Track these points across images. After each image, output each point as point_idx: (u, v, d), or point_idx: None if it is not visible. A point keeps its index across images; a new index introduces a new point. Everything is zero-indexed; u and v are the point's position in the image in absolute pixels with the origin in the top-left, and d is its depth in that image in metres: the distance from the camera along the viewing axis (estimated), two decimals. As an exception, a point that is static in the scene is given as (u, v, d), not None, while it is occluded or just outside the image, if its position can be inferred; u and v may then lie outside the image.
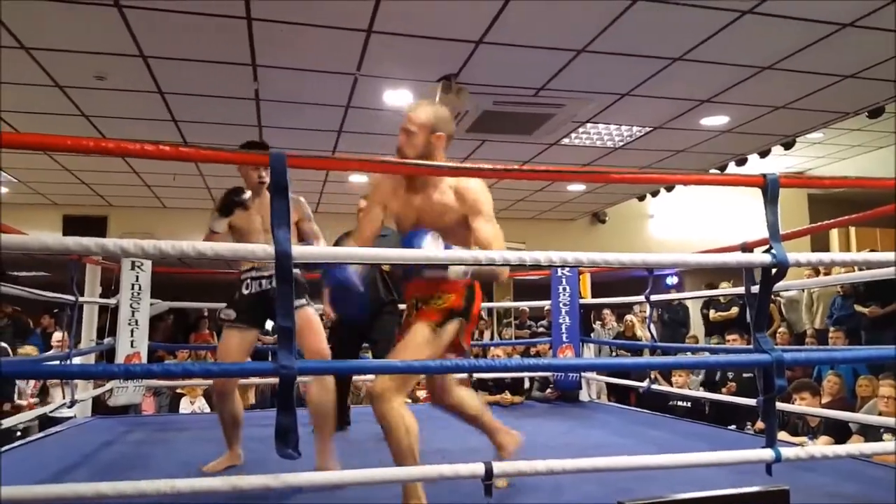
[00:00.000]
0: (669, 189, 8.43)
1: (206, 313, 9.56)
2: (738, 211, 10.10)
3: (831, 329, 6.64)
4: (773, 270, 2.00)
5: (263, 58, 4.48)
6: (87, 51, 4.34)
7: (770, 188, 2.00)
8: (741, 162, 7.37)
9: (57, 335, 6.01)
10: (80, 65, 4.53)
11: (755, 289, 3.43)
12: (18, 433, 4.76)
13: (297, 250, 1.68)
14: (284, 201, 1.64)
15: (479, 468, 1.71)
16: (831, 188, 8.49)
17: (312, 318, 2.69)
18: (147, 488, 1.48)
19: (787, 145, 6.63)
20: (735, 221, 9.91)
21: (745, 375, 5.79)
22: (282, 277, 1.63)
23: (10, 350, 5.96)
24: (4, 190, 8.17)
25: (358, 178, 7.89)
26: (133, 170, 7.26)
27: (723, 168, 7.85)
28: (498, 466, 1.71)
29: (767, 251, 2.01)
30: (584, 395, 5.30)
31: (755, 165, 7.39)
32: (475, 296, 2.22)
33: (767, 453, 1.94)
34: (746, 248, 3.24)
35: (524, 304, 7.76)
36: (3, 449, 3.28)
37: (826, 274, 6.37)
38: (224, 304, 2.82)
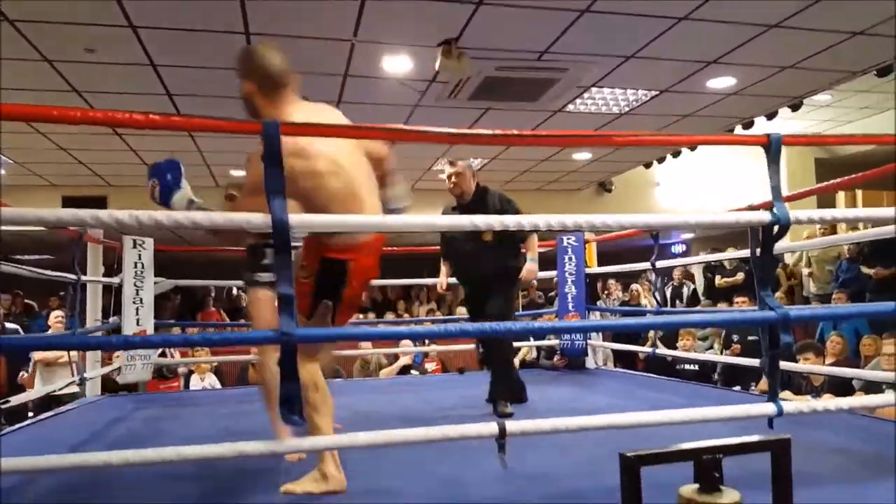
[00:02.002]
0: (676, 155, 8.33)
1: (212, 292, 9.57)
2: (745, 178, 9.98)
3: (835, 292, 6.63)
4: (775, 229, 2.00)
5: (256, 25, 4.39)
6: (75, 21, 4.24)
7: (773, 147, 2.00)
8: (748, 125, 7.26)
9: (56, 312, 5.96)
10: (68, 37, 4.44)
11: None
12: (31, 413, 4.81)
13: (296, 218, 1.67)
14: (278, 170, 1.64)
15: (493, 428, 1.74)
16: (836, 145, 8.38)
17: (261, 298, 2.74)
18: (153, 456, 1.47)
19: (795, 107, 6.53)
20: (743, 189, 9.80)
21: (750, 339, 5.80)
22: (280, 247, 1.64)
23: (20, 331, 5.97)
24: (2, 172, 8.13)
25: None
26: (131, 148, 7.20)
27: (730, 131, 7.75)
28: (512, 425, 1.72)
29: (768, 210, 2.01)
30: (590, 363, 5.32)
31: (762, 129, 7.29)
32: (333, 270, 1.97)
33: (769, 407, 1.97)
34: (754, 209, 3.19)
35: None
36: (15, 427, 3.30)
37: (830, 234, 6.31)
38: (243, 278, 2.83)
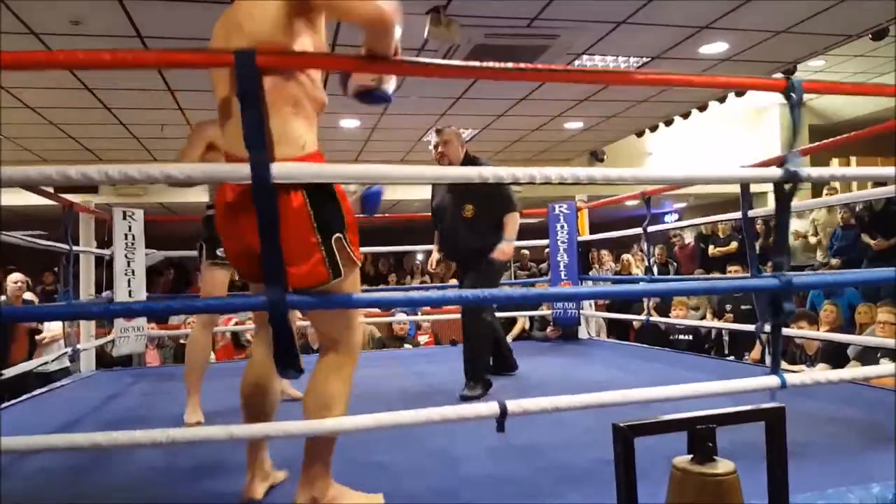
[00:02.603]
0: (668, 124, 8.27)
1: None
2: (737, 149, 9.97)
3: (832, 261, 6.65)
4: (787, 186, 1.88)
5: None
6: (60, -6, 4.14)
7: (795, 91, 1.91)
8: (740, 93, 7.21)
9: (15, 275, 5.63)
10: (54, 9, 4.34)
11: (753, 213, 3.42)
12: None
13: (280, 168, 1.47)
14: (256, 111, 1.43)
15: (494, 407, 1.72)
16: (847, 94, 8.35)
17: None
18: (142, 438, 1.46)
19: (788, 72, 6.46)
20: (734, 159, 9.79)
21: (743, 308, 5.83)
22: (263, 206, 1.45)
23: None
24: (-9, 146, 8.01)
25: (349, 123, 7.72)
26: (119, 121, 7.09)
27: (722, 100, 7.70)
28: (513, 405, 1.71)
29: (780, 165, 1.90)
30: (583, 333, 5.35)
31: (754, 98, 7.24)
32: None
33: (773, 380, 1.92)
34: (763, 166, 3.17)
35: (523, 244, 7.75)
36: (10, 403, 3.30)
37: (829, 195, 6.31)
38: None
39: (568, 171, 1.84)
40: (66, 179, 1.47)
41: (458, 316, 5.68)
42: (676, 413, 1.23)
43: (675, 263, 8.91)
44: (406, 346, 6.25)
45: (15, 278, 5.53)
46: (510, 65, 1.73)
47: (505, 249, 3.24)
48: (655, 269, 8.05)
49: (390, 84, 1.74)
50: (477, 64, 1.79)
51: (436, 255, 3.72)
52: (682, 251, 9.10)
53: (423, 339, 6.72)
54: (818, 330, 4.67)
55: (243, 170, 1.47)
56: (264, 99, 1.47)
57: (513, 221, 3.29)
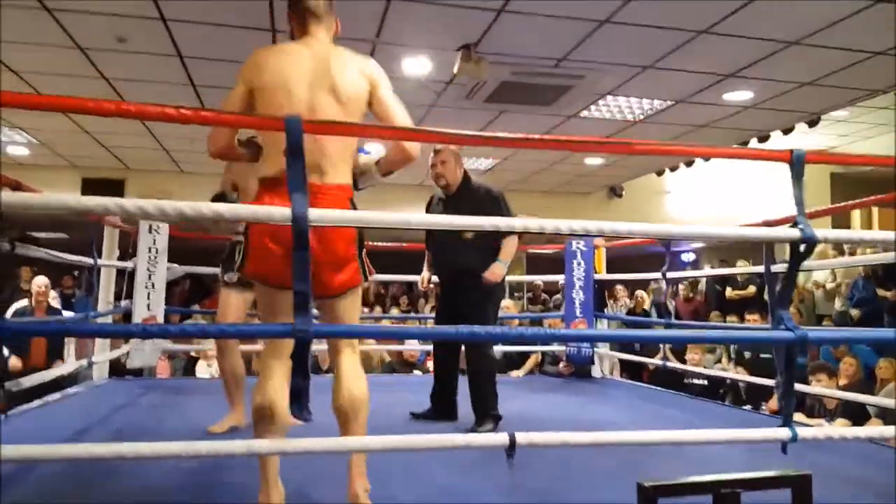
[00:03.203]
0: (689, 164, 8.31)
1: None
2: (757, 190, 9.95)
3: (852, 311, 6.58)
4: (802, 247, 1.94)
5: (283, 22, 4.41)
6: (109, 13, 4.30)
7: (796, 163, 1.98)
8: (763, 139, 7.24)
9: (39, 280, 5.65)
10: (101, 27, 4.50)
11: (775, 267, 3.43)
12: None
13: (315, 213, 1.66)
14: (300, 166, 1.64)
15: (503, 438, 1.75)
16: (856, 165, 8.34)
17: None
18: (165, 450, 1.50)
19: (812, 123, 6.49)
20: (754, 200, 9.79)
21: (762, 356, 5.75)
22: (298, 243, 1.62)
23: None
24: (26, 152, 8.22)
25: (373, 148, 7.83)
26: (150, 133, 7.26)
27: (744, 144, 7.72)
28: (522, 437, 1.73)
29: (794, 226, 1.96)
30: (596, 371, 5.31)
31: (778, 143, 7.26)
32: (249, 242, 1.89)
33: (784, 432, 1.92)
34: (769, 225, 3.19)
35: (537, 278, 7.75)
36: (21, 409, 3.34)
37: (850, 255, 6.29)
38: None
39: (579, 223, 1.87)
40: (123, 212, 1.54)
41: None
42: (691, 460, 1.24)
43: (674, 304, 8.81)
44: (416, 371, 6.25)
45: (39, 282, 5.61)
46: (521, 135, 2.11)
47: (496, 271, 3.17)
48: (654, 311, 8.01)
49: (366, 181, 2.12)
50: (489, 134, 2.22)
51: (426, 274, 3.61)
52: (686, 303, 8.96)
53: (432, 364, 6.71)
54: (838, 382, 4.59)
55: (286, 212, 1.62)
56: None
57: (510, 244, 3.22)
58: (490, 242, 3.20)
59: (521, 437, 1.76)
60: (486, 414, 3.15)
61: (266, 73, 1.86)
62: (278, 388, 1.80)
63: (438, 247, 3.40)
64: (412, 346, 6.01)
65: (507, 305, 6.17)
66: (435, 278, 3.57)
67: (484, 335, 2.35)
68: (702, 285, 9.36)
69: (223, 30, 4.54)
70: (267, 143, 1.91)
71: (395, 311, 10.01)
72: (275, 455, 1.79)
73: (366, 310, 8.25)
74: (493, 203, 3.21)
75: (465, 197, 3.25)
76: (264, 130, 1.89)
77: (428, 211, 3.51)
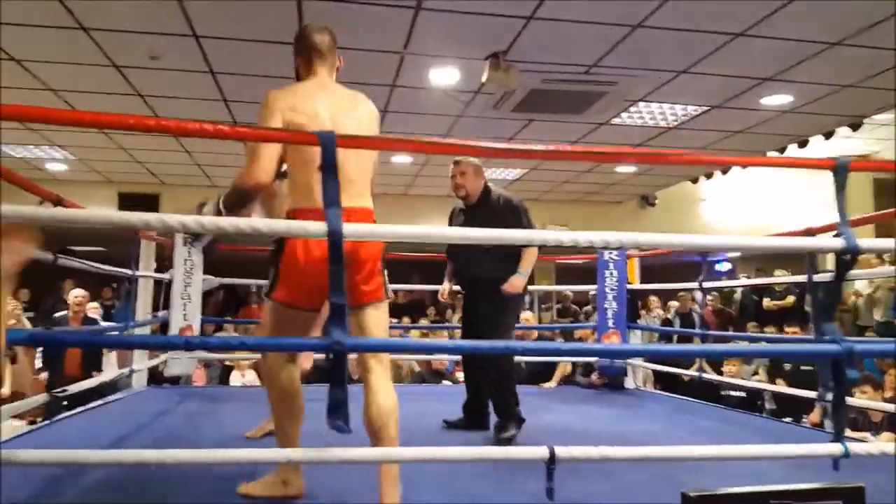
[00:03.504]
0: (725, 171, 8.15)
1: (254, 289, 9.74)
2: (795, 197, 9.72)
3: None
4: (846, 257, 1.92)
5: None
6: (143, 31, 4.41)
7: (840, 172, 1.94)
8: (802, 144, 7.06)
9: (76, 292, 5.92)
10: (135, 45, 4.61)
11: (817, 277, 3.32)
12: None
13: (350, 228, 1.69)
14: (334, 180, 1.69)
15: (543, 452, 1.74)
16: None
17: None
18: (207, 457, 1.51)
19: (855, 126, 6.31)
20: (792, 208, 9.55)
21: (803, 368, 5.59)
22: (333, 256, 1.66)
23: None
24: (64, 167, 8.46)
25: (401, 159, 7.88)
26: (185, 149, 7.41)
27: (782, 150, 7.55)
28: (562, 450, 1.70)
29: (837, 236, 1.93)
30: (629, 383, 5.21)
31: (817, 147, 7.09)
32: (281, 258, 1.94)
33: (836, 448, 1.86)
34: (811, 233, 3.10)
35: (567, 289, 7.65)
36: (63, 416, 3.41)
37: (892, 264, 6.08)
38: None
39: (613, 236, 1.86)
40: (164, 226, 1.58)
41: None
42: (729, 473, 1.19)
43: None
44: (445, 381, 6.22)
45: (76, 294, 5.75)
46: (530, 146, 2.02)
47: (515, 283, 3.11)
48: (678, 322, 7.81)
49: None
50: (518, 147, 2.03)
51: (447, 286, 3.60)
52: (715, 314, 8.74)
53: (461, 375, 6.68)
54: (883, 394, 4.43)
55: (322, 227, 1.67)
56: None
57: (530, 255, 3.16)
58: (510, 252, 3.15)
59: (561, 451, 1.75)
60: (509, 415, 3.12)
61: (290, 113, 1.91)
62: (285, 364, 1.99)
63: (459, 257, 3.39)
64: (441, 356, 5.99)
65: (527, 318, 6.13)
66: (457, 288, 3.57)
67: (520, 349, 2.32)
68: (737, 295, 9.16)
69: (254, 45, 4.61)
70: (295, 173, 1.95)
71: (423, 322, 10.00)
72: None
73: (394, 320, 8.25)
74: (513, 214, 3.19)
75: (485, 208, 3.24)
76: (294, 161, 1.93)
77: (450, 222, 3.52)
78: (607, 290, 5.02)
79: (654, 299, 8.69)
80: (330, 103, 1.99)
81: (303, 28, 2.17)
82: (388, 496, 1.85)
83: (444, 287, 3.61)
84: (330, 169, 1.70)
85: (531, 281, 3.38)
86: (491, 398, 3.19)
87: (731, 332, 7.58)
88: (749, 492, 1.19)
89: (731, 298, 9.23)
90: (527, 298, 4.47)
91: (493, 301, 3.16)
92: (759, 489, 1.18)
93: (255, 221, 1.73)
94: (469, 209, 3.31)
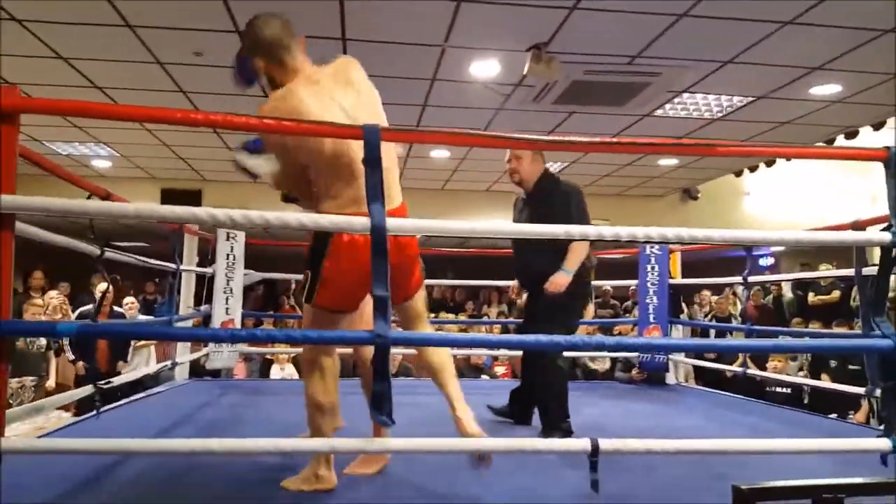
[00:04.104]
0: (769, 164, 7.94)
1: (293, 284, 9.86)
2: (843, 190, 9.40)
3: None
4: (894, 251, 1.88)
5: (353, 31, 4.49)
6: (187, 27, 4.48)
7: (893, 162, 1.89)
8: (851, 135, 6.83)
9: (128, 298, 6.52)
10: (179, 41, 4.69)
11: (866, 271, 3.20)
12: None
13: (393, 223, 1.71)
14: (378, 174, 1.69)
15: (585, 444, 1.72)
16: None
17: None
18: (252, 447, 1.52)
19: (907, 116, 6.08)
20: (840, 202, 9.24)
21: (851, 367, 5.41)
22: (377, 250, 1.67)
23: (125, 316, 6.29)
24: (108, 164, 8.68)
25: (439, 154, 7.87)
26: (226, 145, 7.53)
27: (830, 142, 7.31)
28: (606, 443, 1.67)
29: (887, 229, 1.89)
30: (670, 378, 5.13)
31: (866, 139, 6.85)
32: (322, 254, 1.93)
33: (884, 443, 1.83)
34: (858, 226, 2.99)
35: (607, 283, 7.55)
36: (109, 407, 3.49)
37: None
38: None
39: (656, 230, 1.84)
40: (212, 220, 1.60)
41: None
42: (774, 470, 1.16)
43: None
44: (483, 376, 6.21)
45: (101, 288, 5.83)
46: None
47: (557, 281, 2.89)
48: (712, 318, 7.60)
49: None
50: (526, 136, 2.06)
51: (516, 281, 3.44)
52: (756, 309, 8.48)
53: (499, 370, 6.67)
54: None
55: (366, 222, 1.69)
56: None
57: (577, 252, 2.94)
58: (560, 244, 2.93)
59: (605, 444, 1.75)
60: (552, 427, 2.96)
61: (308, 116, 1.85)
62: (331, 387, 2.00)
63: (515, 251, 3.24)
64: (481, 351, 5.98)
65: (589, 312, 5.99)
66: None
67: (565, 344, 2.24)
68: (786, 292, 8.92)
69: (295, 40, 4.64)
70: (329, 185, 1.92)
71: (462, 317, 9.99)
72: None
73: (431, 315, 8.24)
74: (562, 200, 3.00)
75: (539, 195, 3.08)
76: (330, 167, 1.91)
77: (514, 213, 3.33)
78: (648, 284, 4.94)
79: (706, 294, 8.41)
80: (333, 97, 1.92)
81: (249, 27, 1.99)
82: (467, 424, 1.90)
83: (514, 283, 3.46)
84: (374, 162, 1.69)
85: (589, 276, 3.20)
86: (538, 404, 3.08)
87: (774, 328, 7.38)
88: (802, 485, 1.15)
89: (779, 294, 8.98)
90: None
91: (545, 299, 2.98)
92: (812, 482, 1.15)
93: (301, 217, 1.73)
94: (528, 197, 3.15)
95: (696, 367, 6.50)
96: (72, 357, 5.69)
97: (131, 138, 7.27)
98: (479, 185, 9.21)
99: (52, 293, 6.42)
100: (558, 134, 6.73)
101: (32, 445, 1.67)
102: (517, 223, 3.16)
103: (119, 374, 4.26)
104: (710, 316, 7.65)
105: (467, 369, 6.18)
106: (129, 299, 6.72)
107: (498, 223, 1.98)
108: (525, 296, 3.45)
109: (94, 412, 3.01)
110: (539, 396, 3.08)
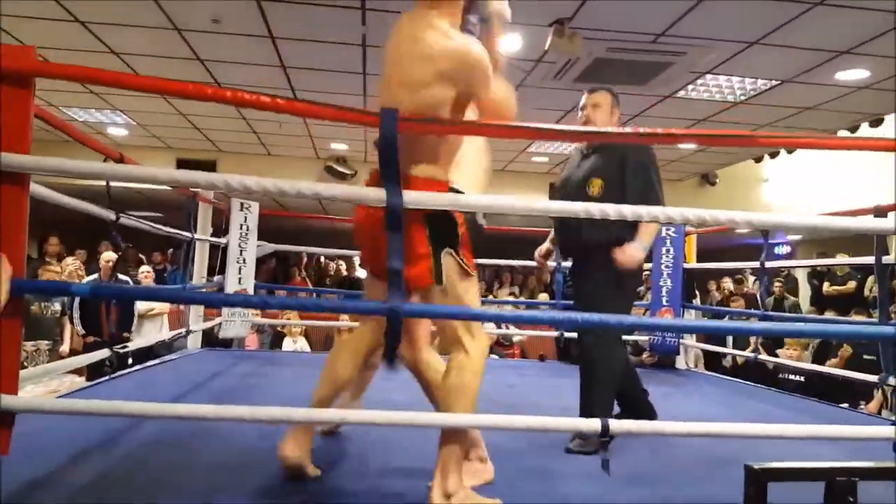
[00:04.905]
0: (790, 150, 7.81)
1: (305, 258, 9.90)
2: (865, 179, 9.24)
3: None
4: None
5: (373, 2, 4.43)
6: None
7: None
8: (876, 123, 6.69)
9: (144, 267, 6.79)
10: (198, 8, 4.65)
11: (886, 258, 3.15)
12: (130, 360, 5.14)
13: (410, 196, 1.68)
14: (394, 155, 1.65)
15: (594, 424, 1.70)
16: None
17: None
18: (262, 415, 1.53)
19: (936, 104, 5.94)
20: (862, 190, 9.08)
21: (866, 357, 5.36)
22: (391, 224, 1.67)
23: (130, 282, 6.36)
24: (124, 132, 8.70)
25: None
26: (242, 116, 7.51)
27: (854, 129, 7.17)
28: (615, 424, 1.66)
29: None
30: (680, 363, 5.11)
31: (890, 127, 6.72)
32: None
33: (893, 431, 1.79)
34: (880, 212, 2.92)
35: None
36: (122, 372, 3.53)
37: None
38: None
39: (677, 211, 1.80)
40: (228, 188, 1.58)
41: (550, 333, 5.64)
42: (784, 457, 1.14)
43: (791, 298, 8.32)
44: (493, 356, 6.26)
45: (106, 257, 5.98)
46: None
47: (632, 252, 2.41)
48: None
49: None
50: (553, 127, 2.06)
51: (546, 245, 2.96)
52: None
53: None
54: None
55: (382, 194, 1.65)
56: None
57: (650, 225, 2.47)
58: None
59: (614, 424, 1.73)
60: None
61: None
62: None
63: (560, 218, 2.65)
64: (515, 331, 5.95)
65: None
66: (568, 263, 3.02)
67: (580, 321, 2.12)
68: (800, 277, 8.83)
69: (314, 10, 4.59)
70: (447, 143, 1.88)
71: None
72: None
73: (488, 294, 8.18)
74: (638, 163, 2.50)
75: (610, 150, 2.57)
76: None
77: (566, 168, 2.86)
78: (663, 267, 4.90)
79: (727, 279, 8.28)
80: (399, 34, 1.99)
81: None
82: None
83: (541, 247, 2.96)
84: (390, 147, 1.65)
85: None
86: (580, 404, 2.53)
87: (789, 314, 7.33)
88: (814, 467, 1.14)
89: (779, 298, 8.88)
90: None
91: (597, 273, 2.52)
92: (825, 465, 1.13)
93: (318, 187, 1.71)
94: (592, 150, 2.65)
95: (705, 354, 6.48)
96: (82, 331, 5.71)
97: (148, 106, 7.26)
98: (495, 164, 9.15)
99: (69, 259, 6.49)
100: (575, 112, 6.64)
101: (47, 405, 1.68)
102: (570, 173, 2.72)
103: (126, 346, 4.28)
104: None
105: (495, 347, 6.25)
106: (144, 268, 6.78)
107: (521, 201, 1.85)
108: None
109: (107, 377, 3.05)
110: (584, 391, 2.53)
